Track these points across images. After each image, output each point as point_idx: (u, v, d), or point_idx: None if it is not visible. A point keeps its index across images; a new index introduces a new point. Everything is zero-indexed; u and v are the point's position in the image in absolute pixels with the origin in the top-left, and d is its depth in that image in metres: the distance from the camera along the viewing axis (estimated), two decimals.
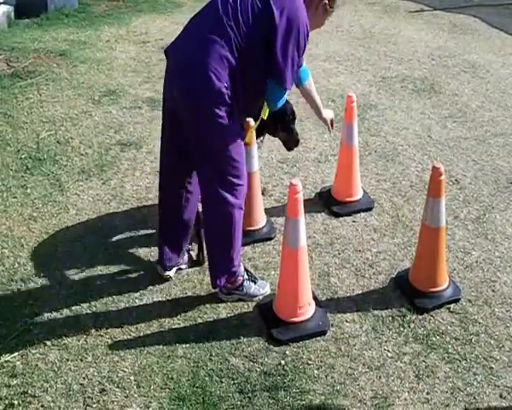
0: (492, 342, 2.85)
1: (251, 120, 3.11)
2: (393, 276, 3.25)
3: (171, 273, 3.16)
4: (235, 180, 2.79)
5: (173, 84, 2.75)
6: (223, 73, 2.59)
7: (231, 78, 2.62)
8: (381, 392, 2.60)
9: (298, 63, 2.75)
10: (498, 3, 8.16)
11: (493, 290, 3.17)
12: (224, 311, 3.01)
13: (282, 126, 3.53)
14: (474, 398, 2.58)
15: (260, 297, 3.06)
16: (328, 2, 2.88)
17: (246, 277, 3.05)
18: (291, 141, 3.61)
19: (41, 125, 4.78)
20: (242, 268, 3.06)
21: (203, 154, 2.77)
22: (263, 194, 3.73)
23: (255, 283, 3.08)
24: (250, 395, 2.57)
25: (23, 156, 4.34)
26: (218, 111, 2.63)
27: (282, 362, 2.73)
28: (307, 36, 2.71)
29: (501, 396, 2.59)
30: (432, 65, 6.13)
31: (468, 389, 2.62)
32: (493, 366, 2.73)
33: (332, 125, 3.60)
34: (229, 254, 2.92)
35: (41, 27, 7.10)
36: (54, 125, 4.78)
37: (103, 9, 7.96)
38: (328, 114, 3.56)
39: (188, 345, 2.81)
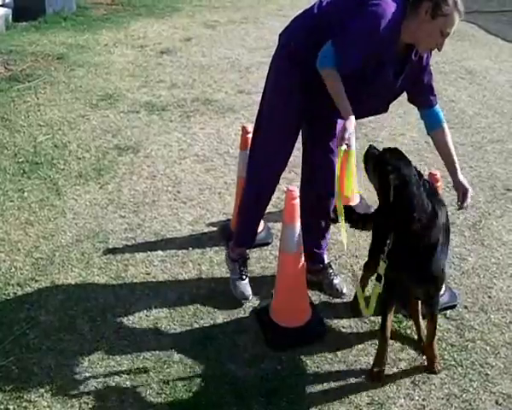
0: (488, 348, 2.86)
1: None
2: None
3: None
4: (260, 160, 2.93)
5: None
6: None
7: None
8: (377, 398, 2.60)
9: (356, 45, 2.50)
10: (496, 10, 8.20)
11: (489, 297, 3.18)
12: (220, 316, 3.01)
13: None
14: (470, 404, 2.58)
15: (234, 291, 3.11)
16: (433, 6, 2.46)
17: (236, 267, 3.13)
18: None
19: (38, 129, 4.78)
20: (235, 257, 3.15)
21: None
22: None
23: (242, 279, 3.12)
24: (247, 400, 2.57)
25: (20, 160, 4.34)
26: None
27: (279, 368, 2.72)
28: (384, 41, 2.51)
29: (497, 403, 2.59)
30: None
31: (463, 395, 2.62)
32: (489, 372, 2.73)
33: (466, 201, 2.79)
34: (240, 227, 3.15)
35: (39, 31, 7.11)
36: (51, 129, 4.78)
37: (101, 13, 7.98)
38: (465, 182, 2.79)
39: (184, 350, 2.80)
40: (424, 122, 2.88)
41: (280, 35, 2.88)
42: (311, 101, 2.79)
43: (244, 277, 3.13)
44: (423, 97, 2.83)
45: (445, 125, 2.84)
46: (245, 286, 3.11)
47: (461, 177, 2.79)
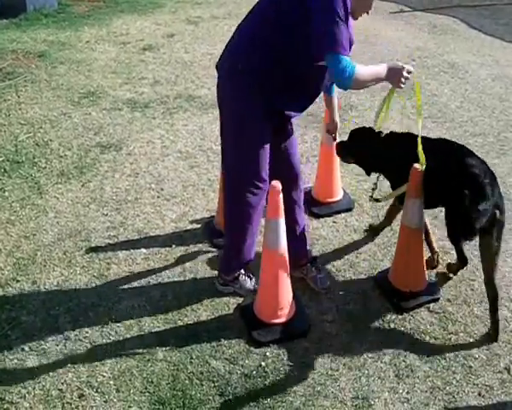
0: (471, 340, 2.88)
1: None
2: (373, 276, 3.26)
3: None
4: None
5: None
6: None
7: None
8: (361, 392, 2.61)
9: (344, 28, 2.47)
10: (477, 4, 8.25)
11: (472, 289, 3.20)
12: (204, 313, 3.00)
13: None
14: (454, 397, 2.60)
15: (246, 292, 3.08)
16: None
17: (243, 271, 3.07)
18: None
19: (19, 128, 4.72)
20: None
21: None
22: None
23: (251, 278, 3.10)
24: (231, 397, 2.56)
25: (1, 159, 4.28)
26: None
27: (263, 364, 2.72)
28: (346, 13, 2.49)
29: (479, 395, 2.61)
30: (411, 65, 6.15)
31: (447, 388, 2.64)
32: (472, 364, 2.75)
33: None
34: (236, 247, 3.00)
35: (19, 28, 7.02)
36: (32, 128, 4.72)
37: (83, 10, 7.90)
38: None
39: (168, 348, 2.79)
40: (327, 89, 3.23)
41: (223, 63, 2.77)
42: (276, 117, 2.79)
43: (253, 275, 3.13)
44: None
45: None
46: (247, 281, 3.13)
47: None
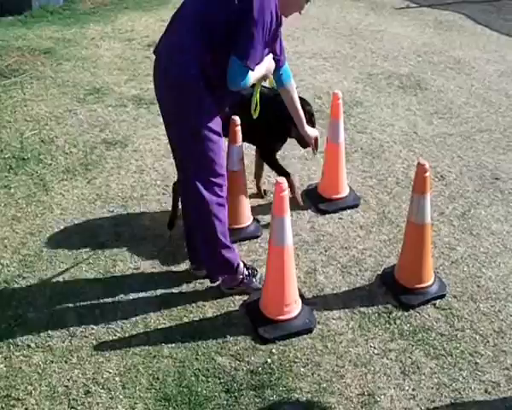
0: (477, 337, 2.87)
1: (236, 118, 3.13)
2: (379, 273, 3.25)
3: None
4: (211, 178, 2.79)
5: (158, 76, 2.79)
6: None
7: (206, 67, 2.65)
8: (367, 389, 2.60)
9: (264, 43, 2.65)
10: (483, 0, 8.21)
11: (478, 286, 3.19)
12: (210, 310, 3.00)
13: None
14: (460, 393, 2.59)
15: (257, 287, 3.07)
16: None
17: (246, 273, 3.05)
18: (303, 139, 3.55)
19: (25, 125, 4.73)
20: (242, 266, 3.05)
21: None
22: (265, 194, 3.85)
23: (255, 276, 3.09)
24: (236, 394, 2.56)
25: (6, 156, 4.29)
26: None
27: (269, 360, 2.72)
28: (276, 16, 2.66)
29: (486, 391, 2.60)
30: (417, 61, 6.14)
31: (453, 384, 2.63)
32: (478, 361, 2.74)
33: (316, 147, 3.53)
34: (216, 250, 2.91)
35: (25, 25, 7.03)
36: (38, 124, 4.73)
37: (88, 7, 7.89)
38: (312, 132, 3.46)
39: (174, 345, 2.79)
40: (277, 80, 3.18)
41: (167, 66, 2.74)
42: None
43: (256, 272, 3.13)
44: (281, 57, 3.10)
45: (293, 82, 3.26)
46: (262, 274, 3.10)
47: (308, 129, 3.39)
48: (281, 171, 3.65)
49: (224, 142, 2.87)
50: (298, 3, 2.84)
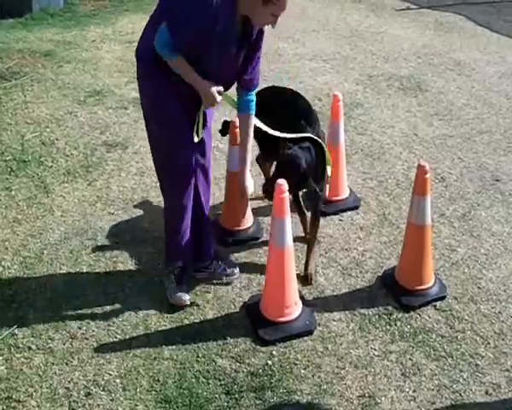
0: (478, 339, 2.87)
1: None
2: (380, 274, 3.26)
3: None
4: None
5: None
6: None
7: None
8: (367, 391, 2.60)
9: (193, 30, 2.57)
10: (484, 1, 8.21)
11: (479, 287, 3.19)
12: (210, 312, 3.00)
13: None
14: (460, 395, 2.59)
15: (174, 300, 3.01)
16: None
17: (173, 278, 3.04)
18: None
19: (26, 127, 4.73)
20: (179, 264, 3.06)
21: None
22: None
23: (178, 288, 3.02)
24: (237, 395, 2.56)
25: (7, 158, 4.30)
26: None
27: (269, 362, 2.72)
28: (202, 9, 2.55)
29: (487, 393, 2.60)
30: (418, 63, 6.15)
31: (454, 386, 2.63)
32: (479, 362, 2.74)
33: (245, 196, 3.07)
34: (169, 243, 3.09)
35: (25, 27, 7.03)
36: (39, 127, 4.74)
37: (89, 9, 7.90)
38: (249, 183, 3.02)
39: (174, 347, 2.80)
40: (238, 102, 2.94)
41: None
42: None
43: (182, 286, 3.06)
44: (250, 78, 2.86)
45: (253, 118, 2.97)
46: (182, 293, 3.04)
47: (247, 175, 2.99)
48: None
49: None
50: (266, 20, 2.64)
